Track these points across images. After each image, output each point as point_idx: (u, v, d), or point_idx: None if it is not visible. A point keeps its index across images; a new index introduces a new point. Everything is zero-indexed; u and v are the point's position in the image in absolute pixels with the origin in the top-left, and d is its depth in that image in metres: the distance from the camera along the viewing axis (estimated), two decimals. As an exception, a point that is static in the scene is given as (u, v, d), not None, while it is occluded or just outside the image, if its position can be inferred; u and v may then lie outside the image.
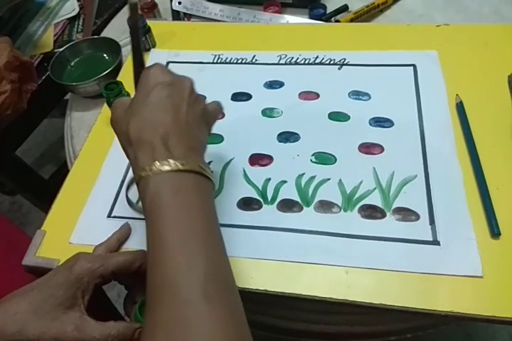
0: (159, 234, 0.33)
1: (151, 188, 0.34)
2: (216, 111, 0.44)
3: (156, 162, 0.34)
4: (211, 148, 0.54)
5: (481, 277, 0.40)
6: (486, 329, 1.05)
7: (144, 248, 0.45)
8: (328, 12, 0.73)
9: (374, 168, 0.49)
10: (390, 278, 0.41)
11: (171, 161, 0.35)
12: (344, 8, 0.73)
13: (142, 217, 0.47)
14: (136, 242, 0.46)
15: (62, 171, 0.71)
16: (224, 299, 0.31)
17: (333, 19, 0.72)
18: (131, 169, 0.53)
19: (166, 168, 0.34)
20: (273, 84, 0.60)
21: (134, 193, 0.47)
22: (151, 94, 0.37)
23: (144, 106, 0.37)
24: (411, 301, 0.39)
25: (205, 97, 0.42)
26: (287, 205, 0.47)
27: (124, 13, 0.80)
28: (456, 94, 0.54)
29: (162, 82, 0.38)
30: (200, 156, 0.38)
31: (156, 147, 0.35)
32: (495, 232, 0.42)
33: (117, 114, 0.39)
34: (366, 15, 0.72)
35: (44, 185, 0.98)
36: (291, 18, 0.72)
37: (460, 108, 0.52)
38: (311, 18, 0.73)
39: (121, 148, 0.54)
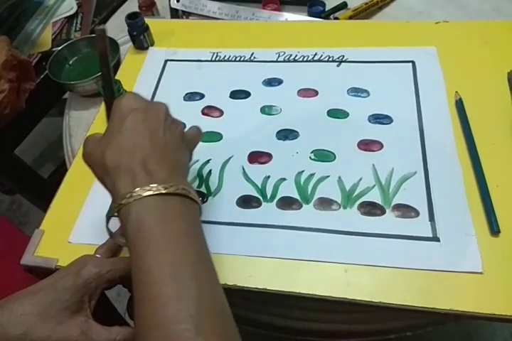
0: (146, 269, 0.31)
1: (132, 216, 0.32)
2: (196, 136, 0.43)
3: (137, 188, 0.33)
4: (210, 146, 0.54)
5: (481, 273, 0.40)
6: (485, 327, 1.05)
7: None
8: (327, 9, 0.72)
9: (373, 164, 0.49)
10: (389, 276, 0.41)
11: (153, 185, 0.33)
12: (343, 6, 0.73)
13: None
14: None
15: (61, 170, 0.71)
16: (218, 331, 0.29)
17: (332, 16, 0.72)
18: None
19: (148, 192, 0.33)
20: (272, 82, 0.60)
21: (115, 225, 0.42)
22: (126, 120, 0.36)
23: (119, 134, 0.36)
24: (410, 299, 0.39)
25: (184, 125, 0.41)
26: (287, 203, 0.47)
27: (123, 11, 0.80)
28: (456, 91, 0.53)
29: (136, 108, 0.37)
30: (183, 178, 0.37)
31: (135, 172, 0.34)
32: (494, 230, 0.42)
33: (89, 147, 0.38)
34: (365, 12, 0.72)
35: (43, 184, 0.97)
36: (290, 16, 0.72)
37: (459, 105, 0.52)
38: (309, 15, 0.72)
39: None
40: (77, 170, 0.54)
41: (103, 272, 0.37)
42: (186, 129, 0.42)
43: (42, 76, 0.72)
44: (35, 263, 0.45)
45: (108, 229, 0.39)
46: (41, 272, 0.45)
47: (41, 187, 0.95)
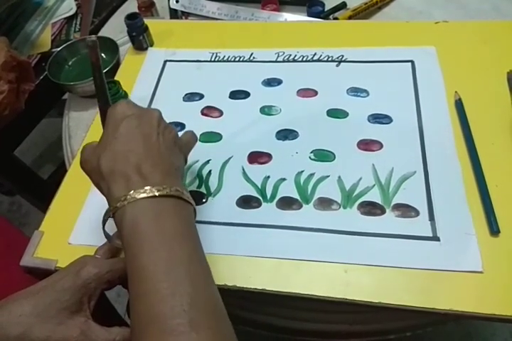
0: (142, 268, 0.32)
1: (127, 218, 0.33)
2: (190, 141, 0.44)
3: (132, 191, 0.34)
4: (210, 147, 0.54)
5: (481, 272, 0.40)
6: (485, 327, 1.05)
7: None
8: (326, 9, 0.72)
9: (373, 164, 0.49)
10: (389, 276, 0.41)
11: (147, 188, 0.34)
12: (342, 6, 0.73)
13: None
14: None
15: (60, 171, 0.71)
16: (212, 326, 0.30)
17: (331, 17, 0.72)
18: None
19: (142, 195, 0.33)
20: (271, 82, 0.60)
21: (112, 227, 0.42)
22: (120, 126, 0.37)
23: (114, 140, 0.37)
24: (410, 300, 0.39)
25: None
26: (287, 203, 0.47)
27: (122, 12, 0.80)
28: (455, 91, 0.53)
29: (130, 115, 0.38)
30: (177, 180, 0.37)
31: (130, 176, 0.35)
32: (494, 230, 0.42)
33: (86, 154, 0.39)
34: (364, 12, 0.72)
35: (43, 185, 0.97)
36: (289, 16, 0.72)
37: (459, 105, 0.52)
38: (309, 15, 0.72)
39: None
40: (77, 171, 0.53)
41: (102, 273, 0.37)
42: (182, 133, 0.43)
43: (41, 77, 0.72)
44: (35, 264, 0.45)
45: (105, 232, 0.39)
46: (40, 273, 0.44)
47: (41, 188, 0.95)
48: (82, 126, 0.63)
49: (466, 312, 0.38)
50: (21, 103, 0.65)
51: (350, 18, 0.70)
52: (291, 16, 0.72)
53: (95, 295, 0.37)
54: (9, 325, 0.34)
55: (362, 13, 0.71)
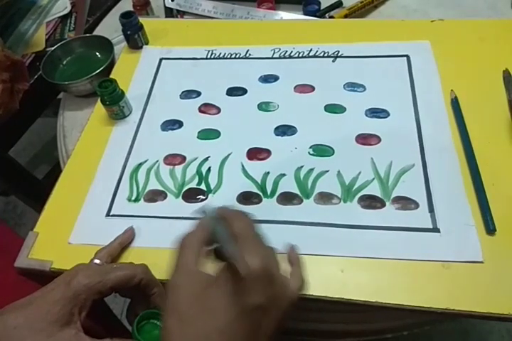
0: None
1: None
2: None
3: None
4: (208, 144, 0.53)
5: (481, 262, 0.40)
6: (483, 325, 1.06)
7: (148, 246, 0.44)
8: (322, 8, 0.73)
9: (372, 158, 0.49)
10: (385, 275, 0.41)
11: None
12: (338, 4, 0.73)
13: (144, 214, 0.47)
14: (140, 242, 0.45)
15: (55, 171, 0.70)
16: None
17: (327, 15, 0.72)
18: (128, 168, 0.52)
19: None
20: (268, 78, 0.60)
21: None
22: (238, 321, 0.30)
23: (211, 323, 0.30)
24: (407, 299, 0.39)
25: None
26: (287, 198, 0.47)
27: (117, 10, 0.80)
28: (451, 90, 0.53)
29: (255, 306, 0.30)
30: None
31: None
32: (490, 228, 0.42)
33: (179, 278, 0.32)
34: (360, 11, 0.72)
35: (38, 185, 0.96)
36: (285, 15, 0.72)
37: (455, 104, 0.52)
38: (305, 14, 0.72)
39: (116, 147, 0.54)
40: (72, 171, 0.53)
41: (93, 283, 0.36)
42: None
43: (36, 76, 0.72)
44: (30, 265, 0.45)
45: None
46: (35, 275, 0.44)
47: (36, 188, 0.94)
48: (77, 126, 0.63)
49: (463, 311, 0.38)
50: (16, 103, 0.64)
51: (346, 16, 0.71)
52: (286, 15, 0.72)
53: (86, 306, 0.36)
54: (4, 337, 0.33)
55: (358, 12, 0.72)
